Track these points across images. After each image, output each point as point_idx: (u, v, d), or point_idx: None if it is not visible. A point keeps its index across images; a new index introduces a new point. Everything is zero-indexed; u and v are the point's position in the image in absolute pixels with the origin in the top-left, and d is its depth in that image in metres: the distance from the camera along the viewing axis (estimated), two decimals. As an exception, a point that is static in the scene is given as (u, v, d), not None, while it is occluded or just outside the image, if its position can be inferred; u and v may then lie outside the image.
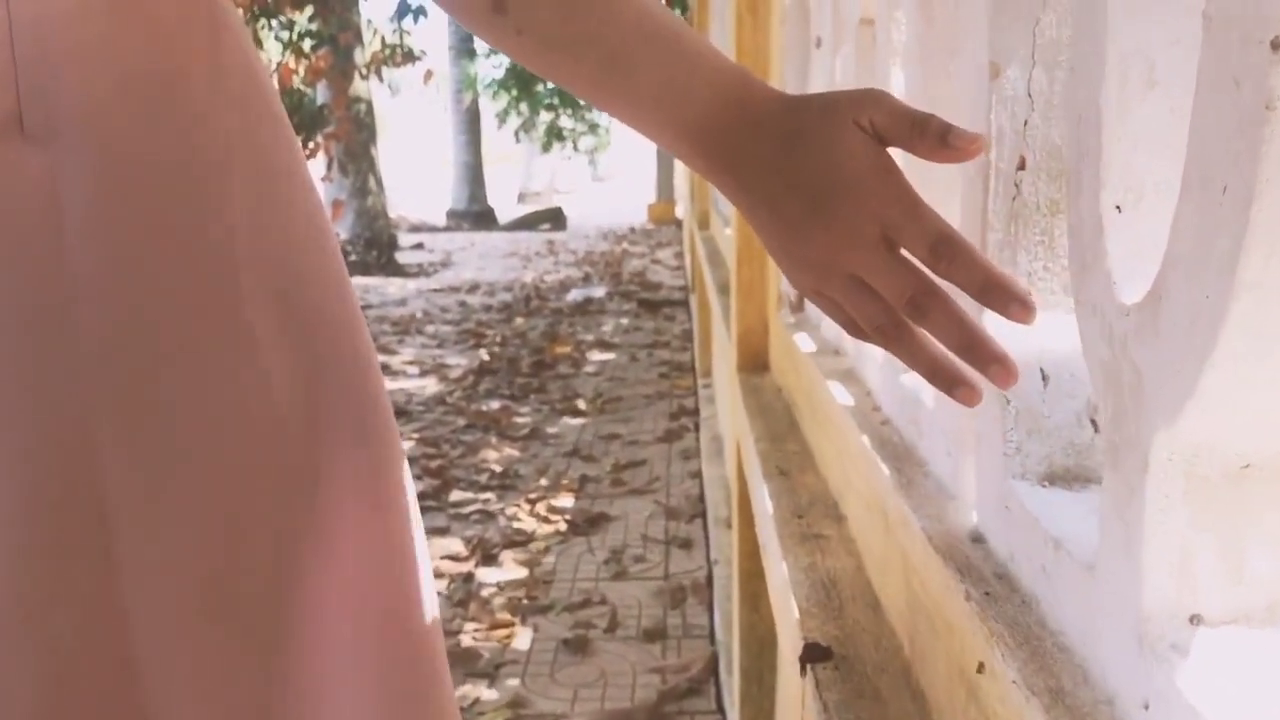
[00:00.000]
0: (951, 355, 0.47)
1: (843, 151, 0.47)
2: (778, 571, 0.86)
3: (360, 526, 0.50)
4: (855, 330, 0.50)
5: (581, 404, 4.24)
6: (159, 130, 0.45)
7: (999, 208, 0.56)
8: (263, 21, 6.99)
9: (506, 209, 14.87)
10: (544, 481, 3.27)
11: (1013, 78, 0.55)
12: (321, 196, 0.54)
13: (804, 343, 1.20)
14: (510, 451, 3.62)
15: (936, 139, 0.46)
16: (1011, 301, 0.45)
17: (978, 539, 0.59)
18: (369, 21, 8.13)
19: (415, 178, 20.26)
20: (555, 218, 13.73)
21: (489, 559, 2.68)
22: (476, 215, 13.68)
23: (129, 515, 0.43)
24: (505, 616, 2.35)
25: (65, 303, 0.43)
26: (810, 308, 1.32)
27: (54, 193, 0.43)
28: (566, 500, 3.10)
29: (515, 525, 2.90)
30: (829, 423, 0.99)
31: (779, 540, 0.88)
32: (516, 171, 20.09)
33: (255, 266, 0.47)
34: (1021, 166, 0.55)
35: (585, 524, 2.89)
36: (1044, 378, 0.54)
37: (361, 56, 8.46)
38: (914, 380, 0.80)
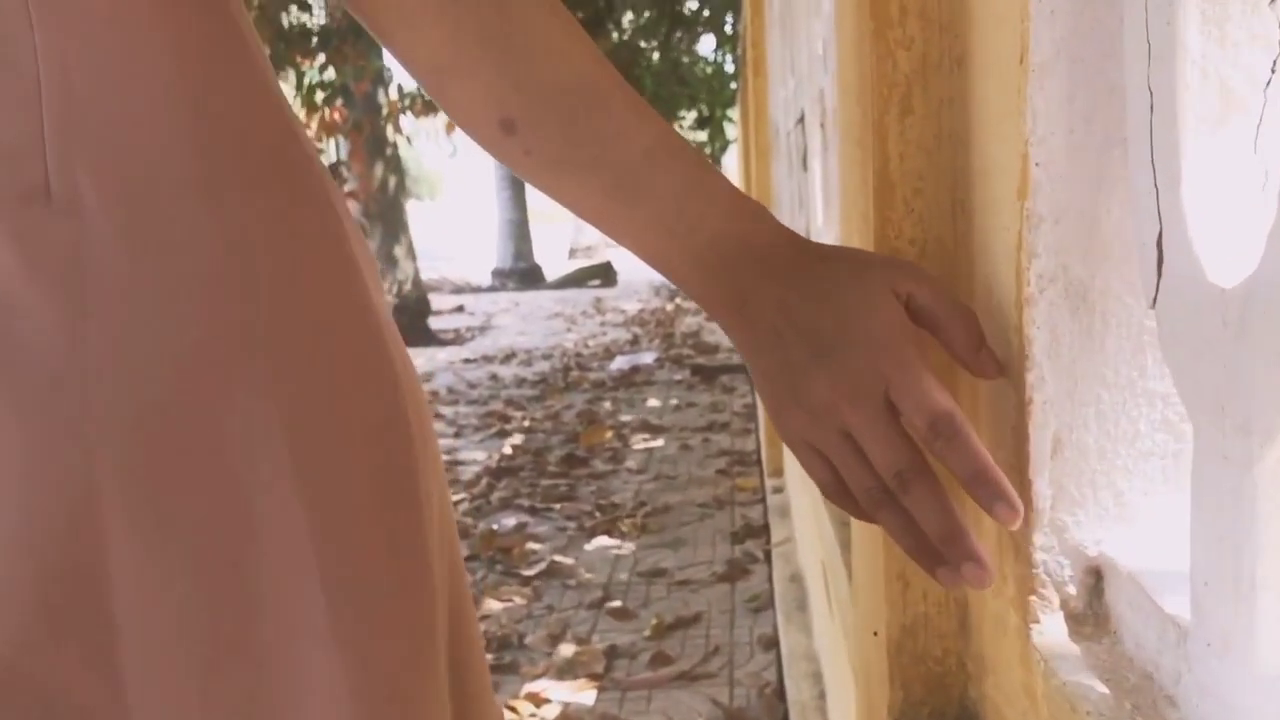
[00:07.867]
0: None
1: (869, 310, 0.47)
2: None
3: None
4: (835, 491, 0.49)
5: (618, 518, 3.30)
6: (188, 207, 0.43)
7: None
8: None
9: (557, 266, 14.06)
10: (556, 657, 2.33)
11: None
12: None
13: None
14: (518, 600, 2.69)
15: (975, 339, 0.48)
16: (998, 500, 0.44)
17: None
18: (387, 70, 7.36)
19: (466, 237, 19.65)
20: (605, 273, 12.89)
21: (455, 822, 1.74)
22: (523, 273, 12.92)
23: (131, 591, 0.41)
24: None
25: (81, 376, 0.40)
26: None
27: (78, 265, 0.41)
28: (585, 695, 2.15)
29: (504, 749, 1.96)
30: None
31: None
32: (568, 227, 19.36)
33: (279, 352, 0.44)
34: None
35: (608, 747, 1.94)
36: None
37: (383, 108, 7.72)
38: None
